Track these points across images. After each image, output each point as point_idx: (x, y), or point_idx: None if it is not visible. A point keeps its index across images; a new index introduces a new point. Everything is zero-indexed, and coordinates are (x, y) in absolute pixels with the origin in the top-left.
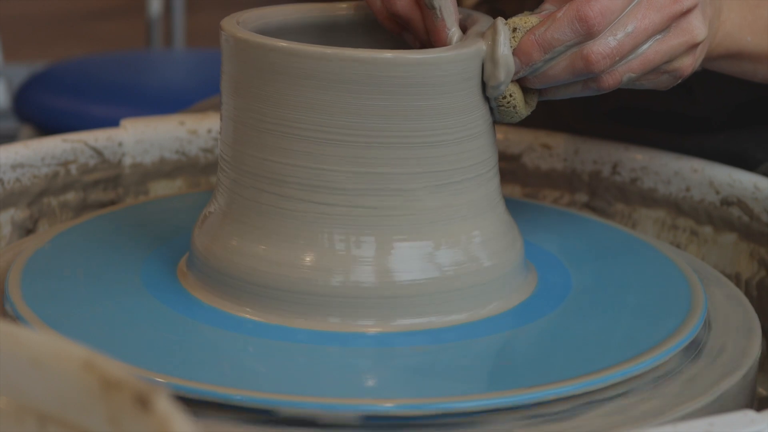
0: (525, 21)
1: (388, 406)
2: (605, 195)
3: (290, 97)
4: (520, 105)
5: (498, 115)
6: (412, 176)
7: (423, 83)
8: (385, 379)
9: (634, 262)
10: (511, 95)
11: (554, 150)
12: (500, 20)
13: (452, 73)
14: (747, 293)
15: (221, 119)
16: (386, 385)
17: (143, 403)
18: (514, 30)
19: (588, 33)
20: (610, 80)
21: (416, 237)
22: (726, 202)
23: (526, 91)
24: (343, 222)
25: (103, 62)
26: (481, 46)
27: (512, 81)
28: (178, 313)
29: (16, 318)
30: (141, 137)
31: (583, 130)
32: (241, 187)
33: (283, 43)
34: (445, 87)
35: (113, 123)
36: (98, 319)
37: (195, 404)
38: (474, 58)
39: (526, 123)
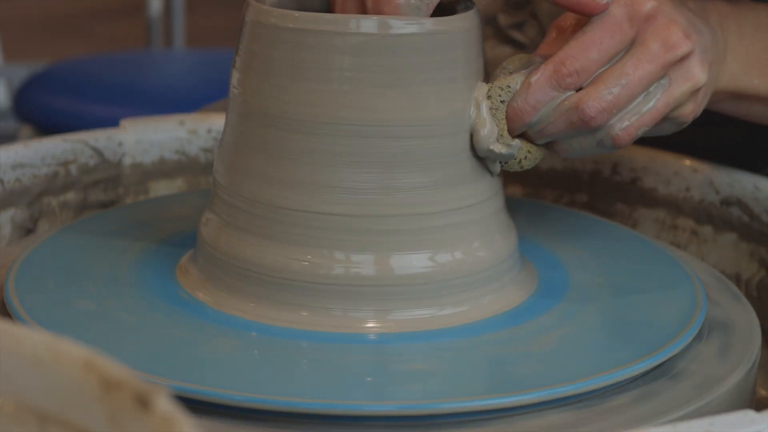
0: (507, 83)
1: (388, 406)
2: (605, 195)
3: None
4: (525, 162)
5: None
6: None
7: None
8: (385, 379)
9: (634, 261)
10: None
11: None
12: (485, 108)
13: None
14: (747, 293)
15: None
16: (386, 385)
17: (143, 403)
18: (489, 97)
19: (567, 87)
20: (626, 137)
21: (415, 248)
22: (726, 202)
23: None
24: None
25: (103, 62)
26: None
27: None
28: (178, 312)
29: (16, 318)
30: (141, 137)
31: None
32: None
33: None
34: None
35: (113, 123)
36: (98, 319)
37: (195, 404)
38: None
39: None
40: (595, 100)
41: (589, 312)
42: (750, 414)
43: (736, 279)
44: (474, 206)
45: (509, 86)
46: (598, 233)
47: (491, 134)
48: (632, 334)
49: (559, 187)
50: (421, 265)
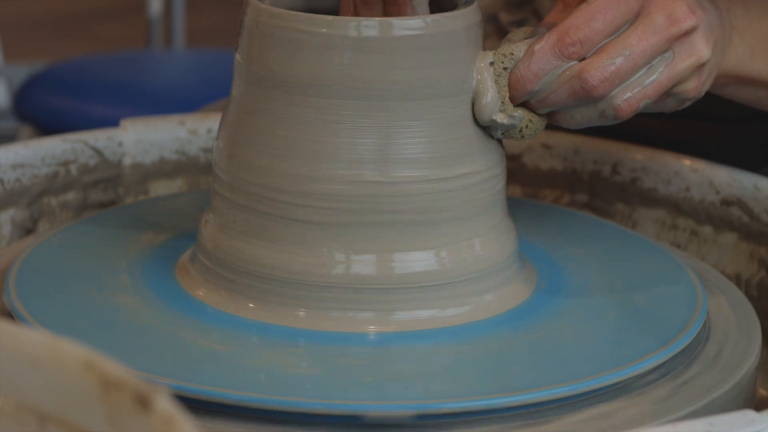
0: (510, 51)
1: (388, 406)
2: (605, 195)
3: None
4: (526, 132)
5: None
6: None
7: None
8: (385, 379)
9: (634, 261)
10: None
11: (554, 150)
12: (488, 76)
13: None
14: (747, 293)
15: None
16: (386, 385)
17: (143, 403)
18: (491, 64)
19: (570, 56)
20: (628, 108)
21: (416, 248)
22: (726, 202)
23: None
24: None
25: (103, 62)
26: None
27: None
28: (177, 311)
29: (16, 318)
30: (141, 137)
31: (583, 130)
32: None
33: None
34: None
35: (113, 123)
36: (98, 319)
37: (195, 404)
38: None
39: None
40: (598, 70)
41: (589, 312)
42: (750, 414)
43: (736, 279)
44: (474, 202)
45: (512, 54)
46: (598, 233)
47: (494, 103)
48: (632, 334)
49: (559, 187)
50: (421, 265)
